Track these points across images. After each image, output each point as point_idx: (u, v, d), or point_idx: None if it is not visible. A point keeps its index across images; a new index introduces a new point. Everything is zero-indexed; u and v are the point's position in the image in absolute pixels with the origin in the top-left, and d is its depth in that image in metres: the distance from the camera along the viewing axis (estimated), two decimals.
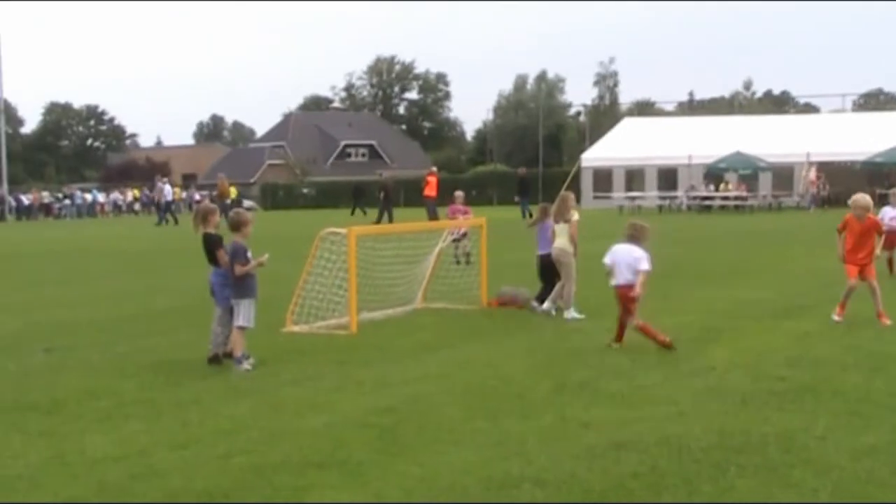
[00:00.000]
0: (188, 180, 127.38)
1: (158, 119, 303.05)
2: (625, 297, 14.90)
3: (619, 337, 15.09)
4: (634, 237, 15.23)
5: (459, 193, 27.14)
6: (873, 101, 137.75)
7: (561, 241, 18.58)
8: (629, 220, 16.06)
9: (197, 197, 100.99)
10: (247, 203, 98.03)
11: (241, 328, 14.02)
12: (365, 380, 12.82)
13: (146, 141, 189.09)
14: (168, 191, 69.08)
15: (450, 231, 22.08)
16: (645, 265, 14.88)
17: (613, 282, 15.11)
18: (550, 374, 12.95)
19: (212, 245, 14.38)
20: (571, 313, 18.19)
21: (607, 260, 15.23)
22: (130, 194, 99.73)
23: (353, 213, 68.89)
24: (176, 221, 64.08)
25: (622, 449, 9.16)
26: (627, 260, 14.96)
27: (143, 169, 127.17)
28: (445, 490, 8.15)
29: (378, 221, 52.33)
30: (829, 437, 9.46)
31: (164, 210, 66.75)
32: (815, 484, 8.05)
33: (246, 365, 13.79)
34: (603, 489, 8.06)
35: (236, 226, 14.23)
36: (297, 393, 12.17)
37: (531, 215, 56.17)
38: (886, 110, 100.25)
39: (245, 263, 13.94)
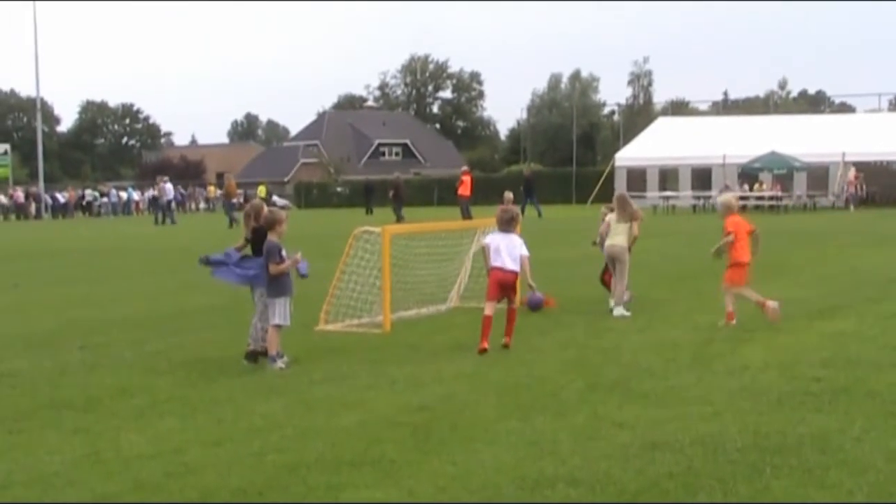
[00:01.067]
0: (222, 179, 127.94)
1: (193, 118, 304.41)
2: None
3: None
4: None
5: (509, 195, 26.40)
6: None
7: (620, 238, 18.65)
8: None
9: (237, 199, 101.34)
10: (280, 202, 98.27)
11: (277, 326, 14.07)
12: (398, 378, 12.82)
13: (181, 140, 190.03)
14: (169, 190, 69.21)
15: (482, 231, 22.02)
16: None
17: None
18: (583, 372, 12.92)
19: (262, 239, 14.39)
20: (620, 310, 18.21)
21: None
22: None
23: (368, 213, 69.13)
24: (173, 221, 64.40)
25: (657, 449, 9.12)
26: None
27: (178, 167, 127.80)
28: (479, 489, 8.14)
29: (398, 220, 52.31)
30: (864, 438, 9.39)
31: (164, 209, 66.92)
32: (850, 485, 8.00)
33: (280, 363, 13.83)
34: (637, 489, 8.03)
35: (270, 224, 14.28)
36: (330, 391, 12.18)
37: (540, 214, 56.04)
38: None
39: (280, 262, 13.99)
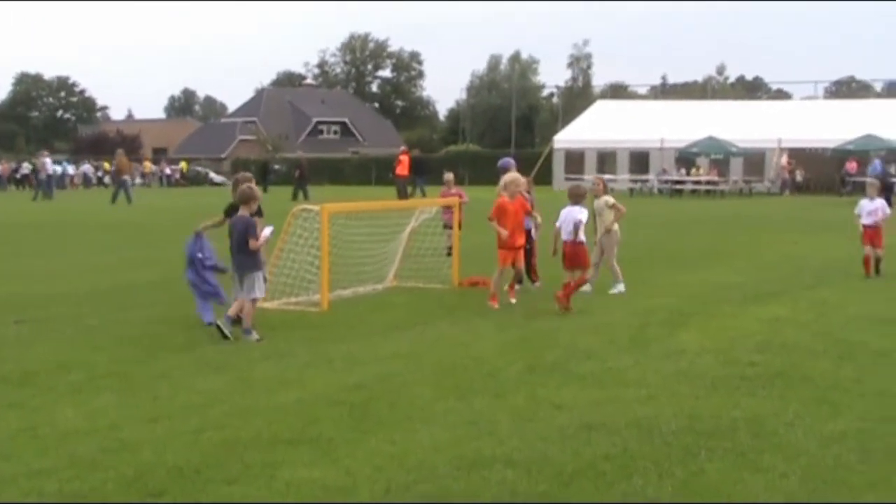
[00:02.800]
0: (159, 154, 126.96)
1: (130, 92, 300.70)
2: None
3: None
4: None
5: (449, 176, 25.62)
6: (845, 88, 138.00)
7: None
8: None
9: (167, 171, 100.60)
10: (217, 178, 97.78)
11: (255, 300, 14.28)
12: (336, 357, 12.81)
13: (117, 114, 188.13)
14: (49, 164, 68.41)
15: (420, 211, 22.01)
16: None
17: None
18: (522, 354, 12.97)
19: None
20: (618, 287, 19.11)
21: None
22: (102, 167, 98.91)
23: (265, 191, 68.92)
24: (50, 196, 63.87)
25: (593, 430, 9.18)
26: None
27: (115, 142, 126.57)
28: (416, 467, 8.15)
29: (294, 199, 52.41)
30: (798, 422, 9.50)
31: (42, 185, 66.26)
32: (784, 469, 8.09)
33: (255, 335, 13.93)
34: (574, 470, 8.07)
35: (245, 200, 14.43)
36: (268, 369, 12.15)
37: (424, 194, 55.33)
38: (857, 98, 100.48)
39: (257, 238, 14.17)
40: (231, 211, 15.04)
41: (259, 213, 14.99)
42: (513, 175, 18.21)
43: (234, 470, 8.15)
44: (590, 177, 71.91)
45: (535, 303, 17.65)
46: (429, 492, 7.64)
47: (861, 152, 67.46)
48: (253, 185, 15.29)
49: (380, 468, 8.16)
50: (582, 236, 17.14)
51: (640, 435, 9.06)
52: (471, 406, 10.18)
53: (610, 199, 19.51)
